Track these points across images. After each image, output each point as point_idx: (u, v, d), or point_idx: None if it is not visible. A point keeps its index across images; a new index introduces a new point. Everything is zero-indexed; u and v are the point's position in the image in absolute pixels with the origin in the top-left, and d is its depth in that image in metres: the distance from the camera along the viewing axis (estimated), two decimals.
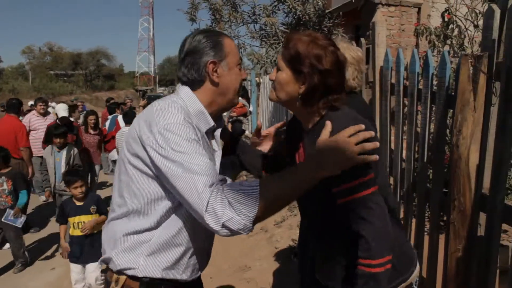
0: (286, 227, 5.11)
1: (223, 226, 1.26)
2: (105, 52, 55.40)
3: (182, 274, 1.54)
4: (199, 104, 1.51)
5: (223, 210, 1.25)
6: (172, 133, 1.35)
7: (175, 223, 1.47)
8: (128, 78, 69.38)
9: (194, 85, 1.52)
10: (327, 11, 6.30)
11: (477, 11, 4.65)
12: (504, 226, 2.29)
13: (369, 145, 1.29)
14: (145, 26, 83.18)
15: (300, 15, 5.63)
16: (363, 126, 1.30)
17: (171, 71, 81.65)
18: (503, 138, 1.99)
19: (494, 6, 2.08)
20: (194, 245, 1.54)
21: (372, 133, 1.32)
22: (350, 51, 2.18)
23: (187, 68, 1.52)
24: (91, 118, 7.08)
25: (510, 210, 1.99)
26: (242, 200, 1.26)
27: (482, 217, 2.18)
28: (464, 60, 2.18)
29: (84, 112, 10.10)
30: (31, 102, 17.28)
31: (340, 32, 5.94)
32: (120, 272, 1.49)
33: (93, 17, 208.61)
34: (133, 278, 1.48)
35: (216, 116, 1.59)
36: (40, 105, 7.64)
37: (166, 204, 1.44)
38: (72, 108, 9.12)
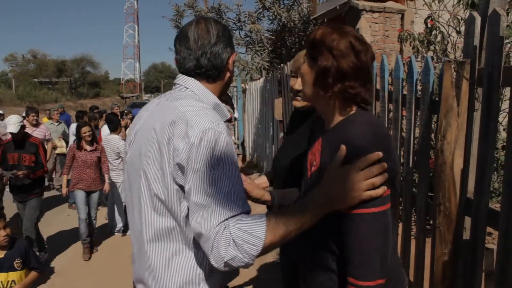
0: None
1: (226, 264, 1.20)
2: (90, 59, 55.03)
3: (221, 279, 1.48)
4: (213, 96, 1.46)
5: (226, 250, 1.19)
6: (215, 146, 1.26)
7: None
8: (114, 85, 68.91)
9: (209, 77, 1.45)
10: (312, 17, 6.34)
11: (459, 18, 4.74)
12: (489, 229, 2.32)
13: (379, 180, 1.24)
14: (130, 33, 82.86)
15: (285, 22, 5.66)
16: (380, 155, 1.23)
17: (156, 78, 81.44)
18: (486, 143, 2.02)
19: (475, 13, 2.12)
20: None
21: (385, 166, 1.25)
22: None
23: (210, 61, 1.43)
24: (85, 131, 5.63)
25: (494, 214, 2.01)
26: (247, 239, 1.20)
27: (468, 221, 2.20)
28: (447, 66, 2.21)
29: (58, 123, 9.50)
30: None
31: None
32: None
33: (77, 24, 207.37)
34: None
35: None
36: (33, 116, 7.34)
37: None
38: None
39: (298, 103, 2.11)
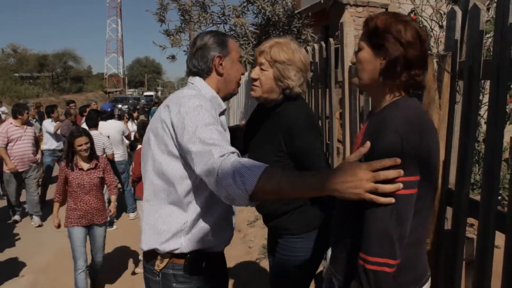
0: (259, 226, 5.14)
1: (225, 189, 1.41)
2: (72, 54, 54.11)
3: (216, 245, 1.83)
4: (212, 90, 1.83)
5: (227, 177, 1.40)
6: (198, 114, 1.59)
7: (201, 201, 1.72)
8: (97, 80, 68.03)
9: (202, 74, 1.84)
10: (296, 11, 6.35)
11: (442, 12, 4.80)
12: (471, 220, 2.37)
13: (386, 188, 1.25)
14: (113, 27, 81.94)
15: (270, 16, 5.67)
16: (398, 161, 1.24)
17: (140, 73, 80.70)
18: (467, 135, 2.06)
19: (456, 8, 2.15)
20: (221, 216, 1.81)
21: (401, 172, 1.25)
22: (301, 54, 2.07)
23: (197, 61, 1.83)
24: (80, 142, 4.00)
25: (475, 204, 2.06)
26: (244, 173, 1.39)
27: (449, 211, 2.25)
28: (429, 60, 2.24)
29: (35, 120, 9.12)
30: (2, 109, 16.35)
31: (309, 32, 6.01)
32: (165, 254, 1.75)
33: (59, 18, 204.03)
34: (178, 255, 1.74)
35: (231, 97, 1.98)
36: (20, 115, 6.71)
37: (190, 182, 1.68)
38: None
39: (254, 93, 2.10)
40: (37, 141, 7.08)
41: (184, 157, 1.62)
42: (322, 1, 7.69)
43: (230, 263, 4.33)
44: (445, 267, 2.25)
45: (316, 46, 3.95)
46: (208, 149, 1.50)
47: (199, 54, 1.83)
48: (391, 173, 1.25)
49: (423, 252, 1.53)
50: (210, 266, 1.81)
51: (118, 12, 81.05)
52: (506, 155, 5.28)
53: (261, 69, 2.05)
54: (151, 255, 1.78)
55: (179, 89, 1.89)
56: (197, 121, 1.57)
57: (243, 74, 1.95)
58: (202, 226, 1.74)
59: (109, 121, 7.08)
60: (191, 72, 1.87)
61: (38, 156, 7.03)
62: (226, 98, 1.91)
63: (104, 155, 5.92)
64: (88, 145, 4.08)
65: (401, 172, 1.25)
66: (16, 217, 6.97)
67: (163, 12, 6.18)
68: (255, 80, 2.06)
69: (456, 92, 2.18)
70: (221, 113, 1.85)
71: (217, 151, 1.48)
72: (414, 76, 1.38)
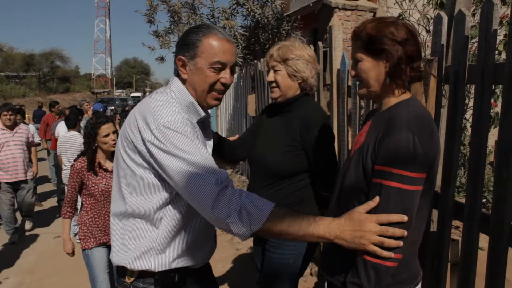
0: None
1: (226, 224, 1.32)
2: (59, 54, 53.60)
3: (191, 261, 1.63)
4: (189, 95, 1.57)
5: (233, 212, 1.31)
6: (172, 131, 1.40)
7: (175, 217, 1.54)
8: (84, 80, 67.48)
9: (179, 78, 1.60)
10: (285, 14, 6.39)
11: (429, 17, 4.86)
12: (456, 222, 2.41)
13: (391, 243, 1.30)
14: (101, 27, 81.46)
15: (259, 18, 5.68)
16: (405, 218, 1.30)
17: (128, 73, 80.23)
18: (452, 138, 2.10)
19: (442, 13, 2.19)
20: (198, 233, 1.61)
21: (405, 233, 1.31)
22: (306, 50, 2.18)
23: (175, 63, 1.59)
24: (106, 130, 3.04)
25: (460, 207, 2.09)
26: (252, 212, 1.32)
27: (435, 213, 2.28)
28: None
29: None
30: None
31: (298, 35, 6.04)
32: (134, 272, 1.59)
33: (46, 17, 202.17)
34: (148, 273, 1.57)
35: (207, 108, 1.65)
36: (5, 115, 5.51)
37: (163, 196, 1.50)
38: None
39: (273, 94, 2.21)
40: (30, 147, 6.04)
41: (157, 169, 1.45)
42: (311, 5, 7.74)
43: (218, 265, 4.33)
44: (431, 268, 2.28)
45: None
46: (196, 171, 1.36)
47: (177, 55, 1.59)
48: (397, 232, 1.29)
49: (417, 252, 1.57)
50: (185, 280, 1.66)
51: (107, 12, 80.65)
52: (491, 158, 5.36)
53: (275, 71, 2.16)
54: (121, 269, 1.63)
55: (159, 90, 1.65)
56: (172, 136, 1.40)
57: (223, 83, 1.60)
58: (177, 244, 1.57)
59: None
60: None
61: (34, 169, 6.09)
62: (203, 107, 1.62)
63: None
64: (114, 142, 3.01)
65: (405, 233, 1.30)
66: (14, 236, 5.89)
67: (152, 13, 6.16)
68: (271, 82, 2.18)
69: (442, 96, 2.22)
70: (201, 122, 1.65)
71: (212, 178, 1.35)
72: (417, 68, 1.44)
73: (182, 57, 1.55)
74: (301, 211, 2.11)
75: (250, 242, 4.65)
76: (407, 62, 1.41)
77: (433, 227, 2.30)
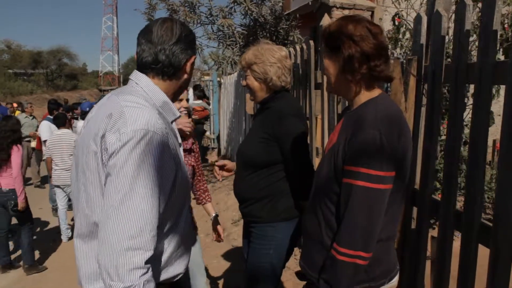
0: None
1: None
2: (67, 51, 53.91)
3: (177, 270, 1.54)
4: (162, 94, 1.46)
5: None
6: (142, 147, 1.26)
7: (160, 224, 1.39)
8: (92, 77, 67.91)
9: (163, 74, 1.46)
10: (285, 13, 6.41)
11: None
12: None
13: None
14: (109, 25, 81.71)
15: (256, 17, 5.72)
16: None
17: None
18: (430, 137, 2.13)
19: (422, 13, 2.22)
20: (180, 238, 1.51)
21: None
22: (271, 51, 2.25)
23: (165, 56, 1.44)
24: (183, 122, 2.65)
25: (438, 204, 2.12)
26: None
27: (415, 211, 2.31)
28: (395, 63, 2.30)
29: (32, 117, 8.46)
30: None
31: (296, 33, 6.06)
32: None
33: (54, 15, 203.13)
34: None
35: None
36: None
37: None
38: None
39: (250, 97, 2.37)
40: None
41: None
42: (310, 3, 7.75)
43: (213, 262, 4.39)
44: (410, 264, 2.31)
45: (298, 48, 4.01)
46: (122, 242, 1.21)
47: (172, 49, 1.46)
48: None
49: (393, 247, 1.60)
50: None
51: (114, 10, 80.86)
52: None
53: (245, 76, 2.31)
54: None
55: (122, 87, 1.52)
56: (133, 164, 1.25)
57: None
58: (163, 253, 1.45)
59: None
60: (143, 66, 1.47)
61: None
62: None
63: None
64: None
65: None
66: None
67: (152, 11, 6.20)
68: (245, 87, 2.34)
69: (423, 95, 2.25)
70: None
71: (137, 258, 1.22)
72: (374, 67, 1.44)
73: (194, 55, 1.52)
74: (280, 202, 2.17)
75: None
76: (362, 60, 1.42)
77: (413, 224, 2.33)
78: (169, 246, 1.46)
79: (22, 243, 4.99)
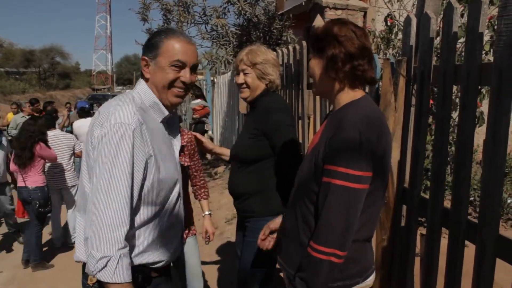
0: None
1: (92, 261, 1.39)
2: (60, 50, 53.63)
3: (157, 257, 1.63)
4: (153, 95, 1.64)
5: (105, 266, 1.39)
6: (118, 139, 1.44)
7: (144, 208, 1.55)
8: (85, 76, 67.63)
9: (145, 78, 1.66)
10: (279, 13, 6.45)
11: None
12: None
13: None
14: (102, 24, 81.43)
15: (250, 17, 5.75)
16: None
17: (129, 70, 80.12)
18: (419, 136, 2.17)
19: (411, 15, 2.26)
20: (161, 229, 1.63)
21: None
22: (271, 54, 2.39)
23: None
24: None
25: (426, 203, 2.16)
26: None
27: (405, 209, 2.35)
28: (385, 64, 2.35)
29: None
30: None
31: (289, 34, 6.10)
32: None
33: (47, 13, 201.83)
34: None
35: (171, 107, 1.69)
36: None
37: None
38: None
39: (243, 94, 2.44)
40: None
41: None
42: (303, 4, 7.80)
43: (206, 259, 4.41)
44: (400, 262, 2.36)
45: (291, 48, 4.05)
46: (105, 219, 1.40)
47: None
48: None
49: (369, 247, 1.63)
50: (150, 281, 1.65)
51: (108, 9, 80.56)
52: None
53: (245, 73, 2.37)
54: (84, 268, 1.60)
55: (125, 93, 1.70)
56: (112, 151, 1.44)
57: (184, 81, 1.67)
58: (143, 236, 1.57)
59: (88, 118, 7.17)
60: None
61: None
62: (167, 107, 1.68)
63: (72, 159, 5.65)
64: None
65: None
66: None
67: (146, 11, 6.22)
68: (241, 84, 2.40)
69: (412, 95, 2.29)
70: (166, 119, 1.70)
71: (115, 236, 1.40)
72: (358, 66, 1.47)
73: (145, 58, 1.63)
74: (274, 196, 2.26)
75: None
76: (344, 60, 1.46)
77: (403, 222, 2.38)
78: (149, 234, 1.59)
79: (30, 241, 5.04)
